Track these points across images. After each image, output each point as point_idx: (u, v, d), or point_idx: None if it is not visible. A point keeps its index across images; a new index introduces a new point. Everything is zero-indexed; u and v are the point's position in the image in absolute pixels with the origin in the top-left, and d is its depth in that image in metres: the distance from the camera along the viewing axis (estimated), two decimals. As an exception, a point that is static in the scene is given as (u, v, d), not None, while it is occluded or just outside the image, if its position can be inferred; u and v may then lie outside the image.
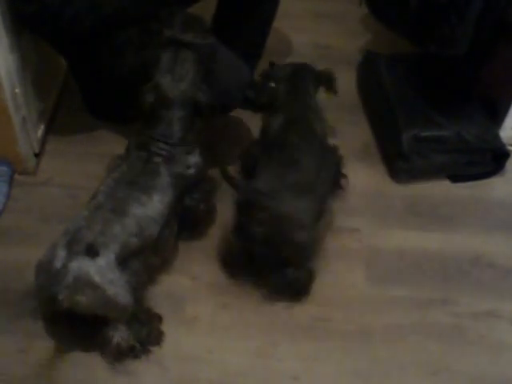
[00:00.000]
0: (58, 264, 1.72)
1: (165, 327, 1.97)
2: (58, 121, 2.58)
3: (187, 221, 2.10)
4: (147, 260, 1.91)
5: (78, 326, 1.84)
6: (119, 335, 1.82)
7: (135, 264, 1.85)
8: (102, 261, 1.73)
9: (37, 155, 2.41)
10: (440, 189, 2.42)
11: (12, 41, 2.13)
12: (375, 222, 2.30)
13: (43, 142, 2.47)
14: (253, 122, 2.54)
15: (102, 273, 1.73)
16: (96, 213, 1.84)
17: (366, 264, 2.17)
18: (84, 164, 2.36)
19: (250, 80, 2.31)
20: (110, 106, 2.29)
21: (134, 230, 1.83)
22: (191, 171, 2.00)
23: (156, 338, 1.93)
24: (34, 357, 1.89)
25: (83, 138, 2.51)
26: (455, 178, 2.45)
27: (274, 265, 2.01)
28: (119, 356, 1.87)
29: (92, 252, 1.72)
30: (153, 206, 1.88)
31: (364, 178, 2.42)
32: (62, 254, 1.73)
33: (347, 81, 2.80)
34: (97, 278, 1.71)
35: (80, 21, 2.06)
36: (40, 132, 2.44)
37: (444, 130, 2.42)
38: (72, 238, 1.76)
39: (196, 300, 2.06)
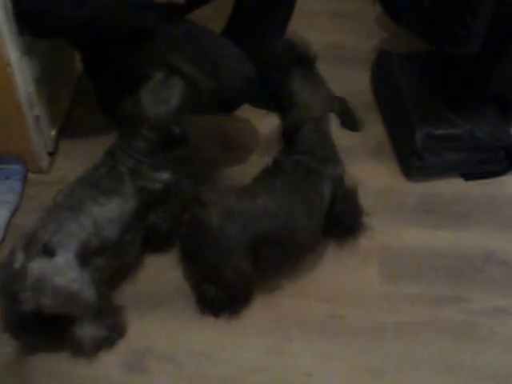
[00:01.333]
0: (17, 265, 1.71)
1: (178, 323, 1.99)
2: (72, 120, 2.60)
3: (150, 236, 2.09)
4: (108, 260, 1.91)
5: (45, 325, 1.84)
6: (86, 331, 1.83)
7: (97, 261, 1.85)
8: (60, 259, 1.72)
9: (51, 154, 2.43)
10: (453, 187, 2.42)
11: (26, 40, 2.14)
12: (388, 219, 2.29)
13: (57, 141, 2.48)
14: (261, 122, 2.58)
15: (62, 272, 1.72)
16: (52, 213, 1.84)
17: (379, 261, 2.17)
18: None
19: (255, 77, 2.29)
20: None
21: (90, 229, 1.82)
22: (158, 186, 1.98)
23: (120, 330, 1.94)
24: (48, 354, 1.90)
25: (97, 137, 2.51)
26: (468, 176, 2.45)
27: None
28: (87, 351, 1.88)
29: (49, 252, 1.71)
30: (112, 208, 1.87)
31: (377, 175, 2.42)
32: (20, 255, 1.72)
33: (361, 80, 2.81)
34: (57, 278, 1.71)
35: (67, 19, 2.03)
36: (54, 131, 2.46)
37: (457, 128, 2.41)
38: (28, 241, 1.75)
39: (209, 297, 2.06)
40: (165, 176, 1.99)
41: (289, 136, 2.04)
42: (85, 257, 1.80)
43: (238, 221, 1.87)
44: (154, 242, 2.13)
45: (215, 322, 2.00)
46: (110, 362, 1.90)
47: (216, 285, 1.97)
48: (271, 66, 2.06)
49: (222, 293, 1.98)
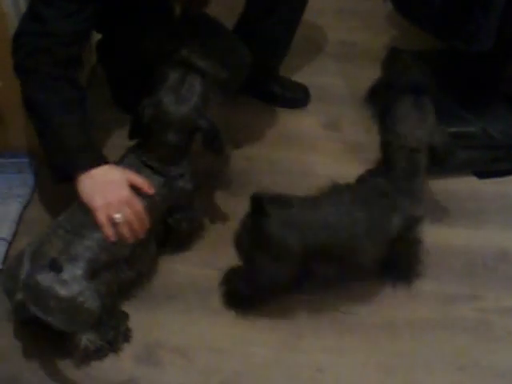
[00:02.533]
0: (23, 274, 1.73)
1: (190, 318, 2.00)
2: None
3: (170, 237, 2.11)
4: (119, 273, 1.91)
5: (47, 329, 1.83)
6: (87, 338, 1.83)
7: (106, 277, 1.86)
8: (66, 275, 1.73)
9: (63, 148, 2.42)
10: (466, 185, 2.41)
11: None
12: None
13: (69, 135, 2.47)
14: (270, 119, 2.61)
15: (68, 286, 1.73)
16: (57, 232, 1.83)
17: (391, 258, 2.16)
18: (110, 156, 2.32)
19: (251, 63, 2.26)
20: (138, 99, 2.29)
21: (97, 250, 1.81)
22: (175, 195, 1.98)
23: (124, 336, 1.94)
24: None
25: (110, 130, 2.52)
26: (481, 174, 2.44)
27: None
28: (87, 357, 1.88)
29: (55, 267, 1.72)
30: None
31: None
32: (27, 266, 1.74)
33: (372, 77, 2.79)
34: (62, 292, 1.71)
35: None
36: (66, 125, 2.45)
37: (470, 126, 2.42)
38: (36, 251, 1.76)
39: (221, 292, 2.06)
40: (182, 184, 1.99)
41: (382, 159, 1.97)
42: (94, 271, 1.80)
43: (297, 231, 1.84)
44: (175, 243, 2.15)
45: (227, 317, 2.01)
46: (122, 354, 1.91)
47: (246, 282, 1.99)
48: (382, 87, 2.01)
49: (248, 290, 2.00)
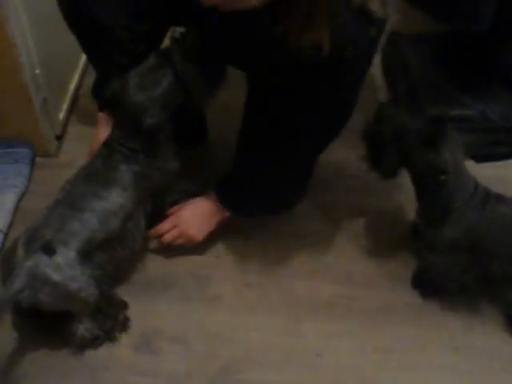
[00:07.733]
0: (16, 262, 1.71)
1: (188, 305, 1.99)
2: (81, 103, 2.60)
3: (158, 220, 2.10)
4: (113, 253, 1.90)
5: (44, 319, 1.83)
6: (84, 327, 1.82)
7: (100, 257, 1.84)
8: (59, 258, 1.72)
9: (59, 137, 2.43)
10: (464, 168, 2.40)
11: (32, 22, 2.13)
12: (399, 200, 2.29)
13: (65, 125, 2.48)
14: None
15: (61, 270, 1.71)
16: (54, 210, 1.83)
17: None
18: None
19: None
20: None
21: (95, 225, 1.81)
22: (156, 174, 1.95)
23: (122, 325, 1.93)
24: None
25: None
26: (479, 158, 2.42)
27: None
28: (84, 346, 1.88)
29: (49, 250, 1.71)
30: (112, 200, 1.85)
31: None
32: (20, 252, 1.72)
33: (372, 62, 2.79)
34: (55, 276, 1.70)
35: None
36: (62, 114, 2.45)
37: (469, 109, 2.42)
38: (30, 236, 1.75)
39: (220, 279, 2.07)
40: (162, 163, 1.96)
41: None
42: (88, 252, 1.79)
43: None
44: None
45: (225, 303, 2.01)
46: (120, 343, 1.91)
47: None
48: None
49: None
